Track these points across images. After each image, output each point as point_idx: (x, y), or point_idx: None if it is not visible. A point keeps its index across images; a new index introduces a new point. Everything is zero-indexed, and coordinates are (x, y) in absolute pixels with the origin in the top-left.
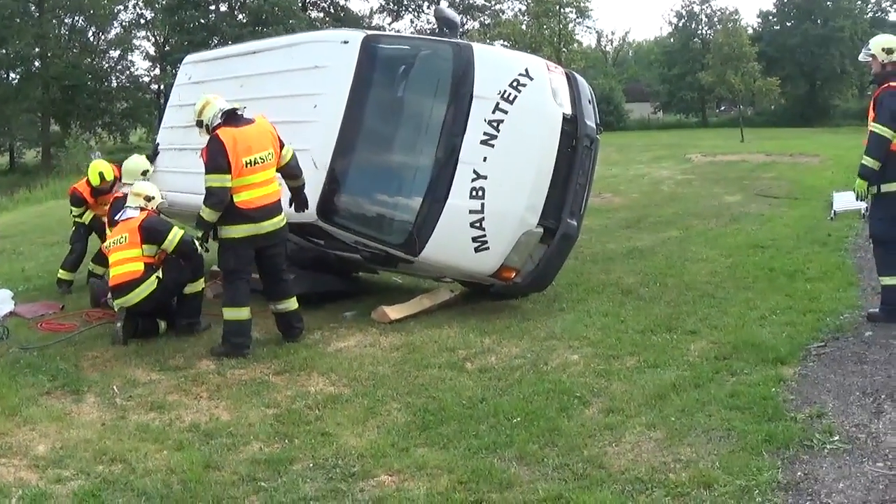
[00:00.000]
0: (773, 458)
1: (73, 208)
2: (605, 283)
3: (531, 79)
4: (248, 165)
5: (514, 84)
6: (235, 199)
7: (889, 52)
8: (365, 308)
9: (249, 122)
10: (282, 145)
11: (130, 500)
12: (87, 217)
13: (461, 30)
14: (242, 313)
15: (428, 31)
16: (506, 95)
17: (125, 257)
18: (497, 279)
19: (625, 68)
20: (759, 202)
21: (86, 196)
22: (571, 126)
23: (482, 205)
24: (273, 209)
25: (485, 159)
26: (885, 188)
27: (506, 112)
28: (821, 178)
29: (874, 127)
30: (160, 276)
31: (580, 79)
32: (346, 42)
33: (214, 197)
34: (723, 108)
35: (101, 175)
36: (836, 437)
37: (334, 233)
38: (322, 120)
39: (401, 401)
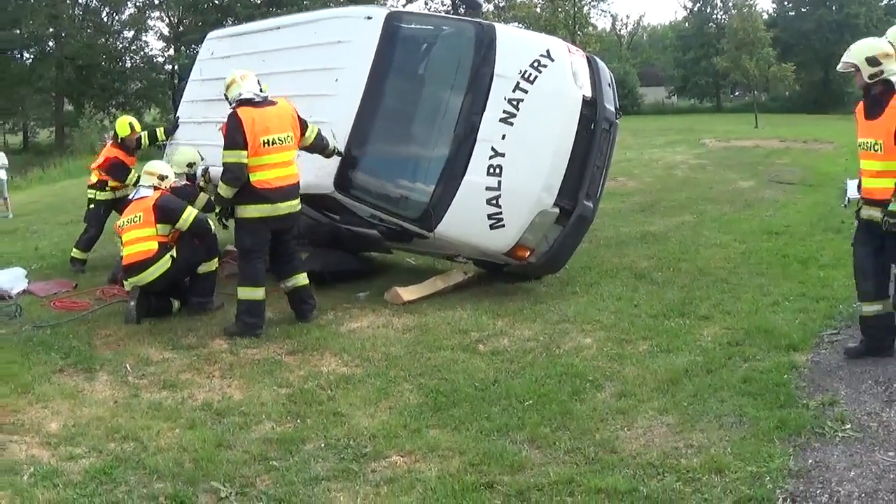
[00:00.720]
0: (784, 445)
1: (95, 192)
2: (618, 267)
3: (552, 60)
4: (266, 145)
5: (535, 64)
6: (252, 179)
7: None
8: (378, 289)
9: (271, 103)
10: (304, 127)
11: (142, 477)
12: (106, 195)
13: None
14: (257, 293)
15: (441, 13)
16: (526, 75)
17: (139, 236)
18: (511, 258)
19: (639, 52)
20: (772, 188)
21: (124, 159)
22: (590, 109)
23: (499, 182)
24: (290, 191)
25: (503, 137)
26: None
27: (526, 91)
28: (835, 165)
29: None
30: (174, 255)
31: (600, 62)
32: (369, 18)
33: (230, 173)
34: (737, 93)
35: (131, 125)
36: (848, 426)
37: (350, 206)
38: (342, 93)
39: (413, 382)
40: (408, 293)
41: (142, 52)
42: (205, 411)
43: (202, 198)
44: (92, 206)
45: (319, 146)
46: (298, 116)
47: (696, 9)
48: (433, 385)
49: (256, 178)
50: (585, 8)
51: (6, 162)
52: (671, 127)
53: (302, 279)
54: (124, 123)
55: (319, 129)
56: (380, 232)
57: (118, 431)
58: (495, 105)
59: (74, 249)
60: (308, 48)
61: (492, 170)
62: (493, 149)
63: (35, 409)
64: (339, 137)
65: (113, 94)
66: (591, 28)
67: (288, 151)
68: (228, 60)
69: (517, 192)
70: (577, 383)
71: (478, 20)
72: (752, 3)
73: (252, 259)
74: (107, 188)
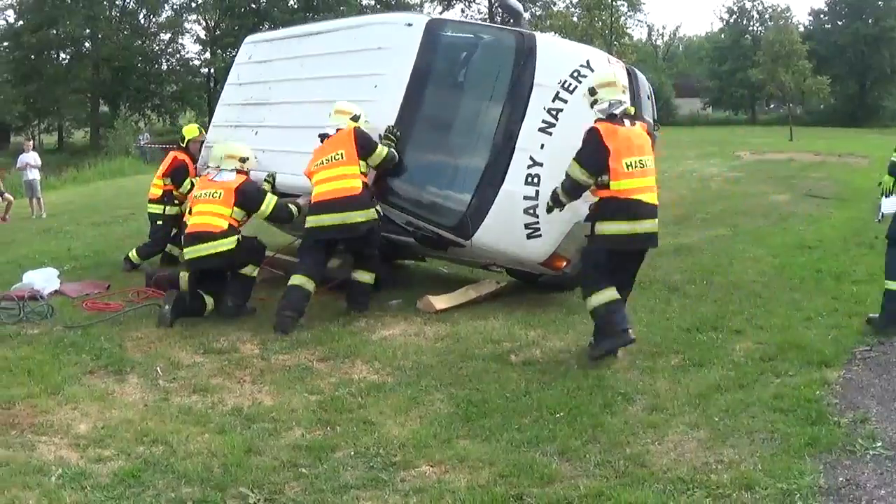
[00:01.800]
0: (815, 463)
1: (163, 206)
2: (651, 280)
3: (592, 70)
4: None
5: (575, 75)
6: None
7: None
8: (411, 297)
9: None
10: (372, 149)
11: (171, 482)
12: (175, 210)
13: (523, 19)
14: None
15: (478, 21)
16: (566, 85)
17: (213, 210)
18: (547, 268)
19: (675, 63)
20: (807, 202)
21: (189, 164)
22: None
23: (536, 192)
24: (338, 203)
25: (542, 147)
26: None
27: (565, 101)
28: (869, 180)
29: None
30: (240, 238)
31: (640, 75)
32: (410, 25)
33: None
34: (772, 105)
35: (199, 129)
36: (879, 444)
37: (387, 212)
38: (382, 99)
39: (444, 391)
40: (440, 302)
41: (178, 55)
42: (234, 416)
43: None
44: (160, 222)
45: (387, 166)
46: (357, 142)
47: (732, 20)
48: (464, 395)
49: (314, 192)
50: (622, 18)
51: (39, 162)
52: (706, 139)
53: (365, 277)
54: (193, 127)
55: (390, 150)
56: (416, 239)
57: (147, 435)
58: (534, 114)
59: (133, 252)
60: (347, 54)
61: (530, 179)
62: (531, 158)
63: (64, 410)
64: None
65: (148, 96)
66: (627, 38)
67: (339, 167)
68: (267, 64)
69: None
70: (608, 396)
71: (518, 29)
72: (788, 15)
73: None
74: (175, 202)
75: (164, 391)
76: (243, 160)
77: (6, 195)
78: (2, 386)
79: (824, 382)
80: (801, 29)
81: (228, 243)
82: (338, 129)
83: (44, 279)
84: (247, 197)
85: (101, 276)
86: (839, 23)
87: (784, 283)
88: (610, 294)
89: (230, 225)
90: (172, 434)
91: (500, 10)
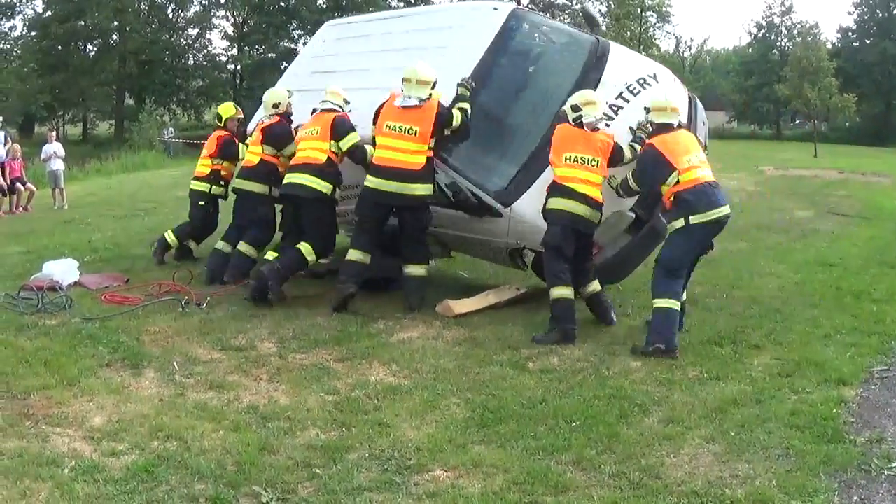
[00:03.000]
0: (830, 481)
1: (209, 185)
2: None
3: (657, 81)
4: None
5: (641, 81)
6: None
7: None
8: (430, 300)
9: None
10: (448, 123)
11: (184, 477)
12: (220, 190)
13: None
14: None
15: None
16: (630, 88)
17: (314, 146)
18: None
19: (701, 75)
20: (829, 219)
21: (236, 137)
22: None
23: None
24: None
25: None
26: None
27: (627, 101)
28: (893, 200)
29: None
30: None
31: (699, 103)
32: (496, 9)
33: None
34: (797, 121)
35: (235, 106)
36: (895, 464)
37: (437, 166)
38: (454, 66)
39: (461, 396)
40: (460, 306)
41: (205, 51)
42: (250, 414)
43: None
44: (202, 202)
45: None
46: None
47: (760, 35)
48: (480, 400)
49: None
50: (651, 29)
51: (63, 152)
52: (730, 152)
53: (417, 270)
54: (230, 105)
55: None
56: (454, 202)
57: (162, 430)
58: None
59: (170, 233)
60: (428, 31)
61: None
62: None
63: (80, 403)
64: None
65: (174, 91)
66: (655, 49)
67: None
68: (343, 41)
69: None
70: (624, 406)
71: (596, 36)
72: (816, 32)
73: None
74: (221, 182)
75: (181, 386)
76: (346, 101)
77: (28, 185)
78: (18, 376)
79: (841, 401)
80: (829, 46)
81: (323, 186)
82: (420, 101)
83: (63, 270)
84: (338, 128)
85: (120, 268)
86: (867, 41)
87: (804, 299)
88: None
89: (329, 158)
90: (187, 430)
91: (581, 17)
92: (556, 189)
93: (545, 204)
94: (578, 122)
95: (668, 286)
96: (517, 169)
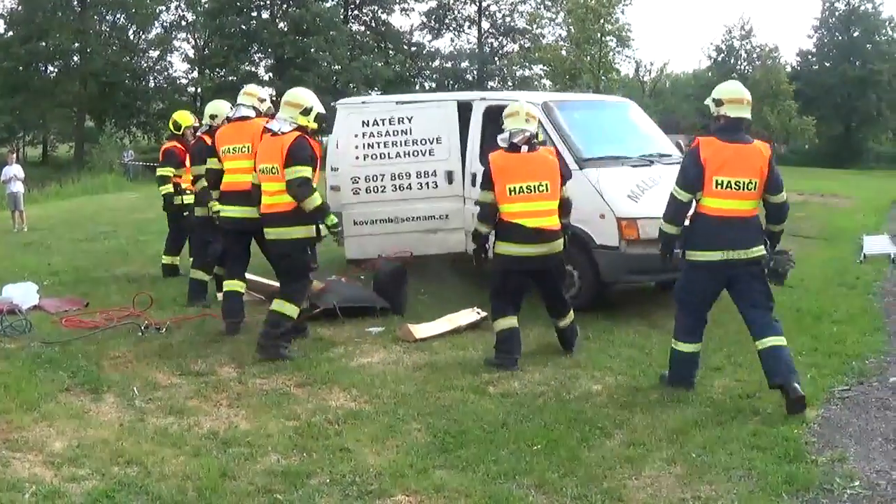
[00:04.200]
0: (792, 500)
1: (167, 190)
2: (631, 315)
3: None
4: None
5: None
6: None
7: None
8: (391, 325)
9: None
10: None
11: (145, 503)
12: (188, 198)
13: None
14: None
15: (467, 51)
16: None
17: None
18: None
19: (661, 99)
20: (789, 241)
21: (182, 149)
22: None
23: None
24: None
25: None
26: None
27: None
28: (852, 221)
29: None
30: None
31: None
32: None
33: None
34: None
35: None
36: (857, 483)
37: None
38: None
39: (422, 421)
40: (420, 331)
41: (165, 73)
42: (210, 440)
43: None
44: (186, 213)
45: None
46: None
47: (720, 59)
48: (441, 425)
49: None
50: (611, 54)
51: (23, 174)
52: None
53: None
54: (186, 113)
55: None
56: None
57: (122, 455)
58: None
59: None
60: None
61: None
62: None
63: (40, 427)
64: None
65: (134, 113)
66: (615, 73)
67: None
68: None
69: None
70: (586, 430)
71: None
72: (776, 55)
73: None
74: (186, 190)
75: (141, 412)
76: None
77: None
78: None
79: (802, 421)
80: (789, 69)
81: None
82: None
83: (23, 294)
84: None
85: (80, 292)
86: (826, 64)
87: None
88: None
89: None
90: (148, 455)
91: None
92: (503, 229)
93: (493, 245)
94: (512, 146)
95: None
96: None
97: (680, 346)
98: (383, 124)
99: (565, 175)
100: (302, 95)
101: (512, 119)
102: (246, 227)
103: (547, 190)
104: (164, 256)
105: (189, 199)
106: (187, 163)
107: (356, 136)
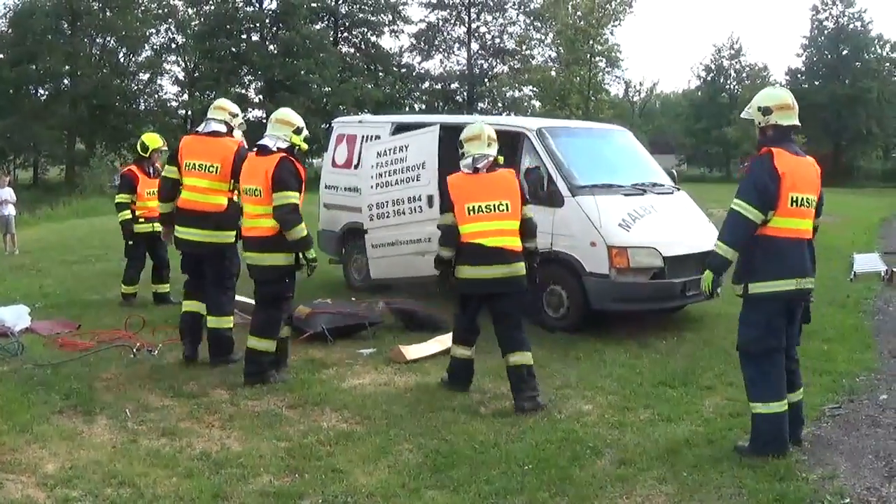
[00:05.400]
0: None
1: (124, 217)
2: (622, 334)
3: None
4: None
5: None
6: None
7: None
8: (382, 346)
9: None
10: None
11: None
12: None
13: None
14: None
15: (457, 72)
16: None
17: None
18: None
19: (651, 119)
20: None
21: (138, 173)
22: None
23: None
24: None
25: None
26: None
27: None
28: (842, 239)
29: None
30: None
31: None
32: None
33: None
34: (747, 164)
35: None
36: (847, 500)
37: None
38: None
39: (413, 441)
40: (411, 352)
41: (156, 96)
42: (203, 461)
43: None
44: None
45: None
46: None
47: (709, 78)
48: (433, 445)
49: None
50: (600, 74)
51: (14, 198)
52: None
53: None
54: (155, 137)
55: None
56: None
57: (115, 477)
58: None
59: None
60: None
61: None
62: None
63: (33, 449)
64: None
65: (125, 136)
66: (604, 94)
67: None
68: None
69: None
70: (577, 449)
71: None
72: (765, 74)
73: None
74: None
75: (133, 433)
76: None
77: None
78: None
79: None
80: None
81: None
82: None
83: (14, 316)
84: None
85: (72, 314)
86: (816, 83)
87: None
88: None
89: None
90: (140, 477)
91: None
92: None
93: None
94: (473, 168)
95: None
96: None
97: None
98: (390, 153)
99: (525, 197)
100: (293, 114)
101: (473, 144)
102: (203, 252)
103: (507, 209)
104: (153, 285)
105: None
106: (139, 188)
107: (372, 166)
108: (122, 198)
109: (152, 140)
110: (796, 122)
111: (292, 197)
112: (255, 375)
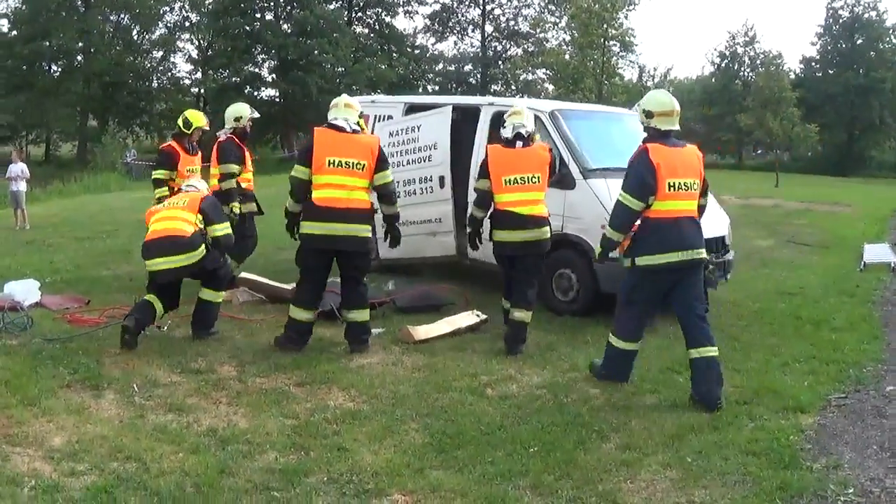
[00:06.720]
0: None
1: (162, 194)
2: None
3: None
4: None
5: None
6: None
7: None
8: (391, 326)
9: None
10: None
11: (143, 499)
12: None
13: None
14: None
15: (470, 54)
16: None
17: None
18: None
19: None
20: (789, 248)
21: (178, 150)
22: None
23: None
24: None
25: None
26: None
27: None
28: (853, 229)
29: None
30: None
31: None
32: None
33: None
34: (759, 151)
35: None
36: (851, 490)
37: None
38: None
39: (419, 421)
40: (420, 333)
41: (169, 74)
42: (209, 437)
43: None
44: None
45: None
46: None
47: (723, 65)
48: (439, 426)
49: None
50: (614, 59)
51: (27, 173)
52: None
53: (361, 315)
54: (200, 115)
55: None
56: None
57: (121, 451)
58: None
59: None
60: None
61: None
62: None
63: (40, 423)
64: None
65: (138, 113)
66: (618, 78)
67: (353, 177)
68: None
69: None
70: (582, 433)
71: None
72: (779, 62)
73: (301, 280)
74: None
75: (140, 408)
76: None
77: None
78: None
79: (798, 428)
80: (792, 76)
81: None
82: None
83: (24, 291)
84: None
85: (81, 290)
86: (830, 72)
87: (763, 328)
88: None
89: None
90: (146, 451)
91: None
92: (498, 218)
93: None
94: (508, 141)
95: None
96: None
97: (622, 345)
98: (403, 133)
99: (554, 167)
100: (356, 100)
101: (515, 117)
102: (347, 247)
103: (538, 181)
104: None
105: None
106: (179, 166)
107: (384, 146)
108: (159, 174)
109: (196, 118)
110: (675, 127)
111: (390, 175)
112: (365, 343)
